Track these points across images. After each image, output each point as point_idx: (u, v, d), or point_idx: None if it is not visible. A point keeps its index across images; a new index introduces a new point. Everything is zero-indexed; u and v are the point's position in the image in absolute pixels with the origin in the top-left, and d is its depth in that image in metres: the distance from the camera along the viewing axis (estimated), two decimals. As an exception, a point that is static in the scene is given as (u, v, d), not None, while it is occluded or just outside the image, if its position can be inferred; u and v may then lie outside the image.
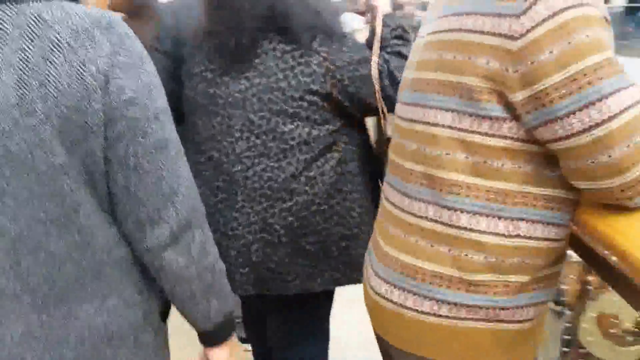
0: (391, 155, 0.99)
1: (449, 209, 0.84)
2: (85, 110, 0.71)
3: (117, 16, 0.78)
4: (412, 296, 0.88)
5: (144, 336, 0.86)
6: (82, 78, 0.70)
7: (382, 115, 1.35)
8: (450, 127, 0.83)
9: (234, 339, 0.96)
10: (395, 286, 0.91)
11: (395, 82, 1.27)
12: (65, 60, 0.70)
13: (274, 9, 1.23)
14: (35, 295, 0.76)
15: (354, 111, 1.33)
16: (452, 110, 0.83)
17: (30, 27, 0.70)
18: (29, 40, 0.69)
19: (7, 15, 0.70)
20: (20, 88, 0.68)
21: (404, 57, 1.29)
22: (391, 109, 1.33)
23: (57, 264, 0.76)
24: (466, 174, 0.82)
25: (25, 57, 0.69)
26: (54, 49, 0.70)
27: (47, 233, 0.74)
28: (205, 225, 0.86)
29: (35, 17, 0.70)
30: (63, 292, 0.77)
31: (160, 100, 0.79)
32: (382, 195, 1.02)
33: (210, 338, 0.93)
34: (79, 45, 0.71)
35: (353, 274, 1.38)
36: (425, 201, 0.87)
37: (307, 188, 1.30)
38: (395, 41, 1.34)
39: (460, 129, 0.82)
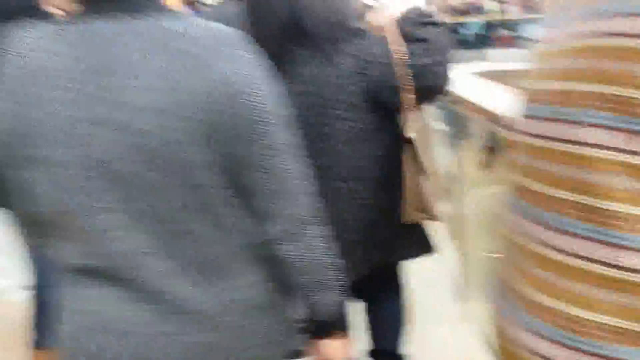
0: (523, 181, 0.83)
1: (621, 248, 0.69)
2: (229, 116, 0.81)
3: (242, 32, 0.87)
4: (583, 356, 0.73)
5: (278, 309, 0.96)
6: (225, 88, 0.80)
7: (401, 108, 1.38)
8: (614, 149, 0.69)
9: (346, 333, 1.01)
10: (557, 344, 0.75)
11: (413, 67, 1.32)
12: (209, 71, 0.79)
13: (294, 17, 1.31)
14: (187, 274, 0.85)
15: (388, 103, 1.36)
16: (615, 129, 0.68)
17: (170, 41, 0.79)
18: (172, 53, 0.78)
19: (141, 28, 0.79)
20: (170, 96, 0.77)
21: (425, 41, 1.34)
22: (417, 101, 1.36)
23: (203, 246, 0.85)
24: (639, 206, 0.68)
25: (170, 69, 0.77)
26: (197, 61, 0.78)
27: (192, 219, 0.83)
28: (321, 223, 0.92)
29: (171, 31, 0.79)
30: (211, 269, 0.86)
31: (285, 108, 0.88)
32: (511, 228, 0.86)
33: (323, 329, 0.99)
34: (218, 59, 0.80)
35: (390, 257, 1.55)
36: (588, 239, 0.72)
37: (350, 185, 1.38)
38: (418, 31, 1.36)
39: (627, 152, 0.68)
